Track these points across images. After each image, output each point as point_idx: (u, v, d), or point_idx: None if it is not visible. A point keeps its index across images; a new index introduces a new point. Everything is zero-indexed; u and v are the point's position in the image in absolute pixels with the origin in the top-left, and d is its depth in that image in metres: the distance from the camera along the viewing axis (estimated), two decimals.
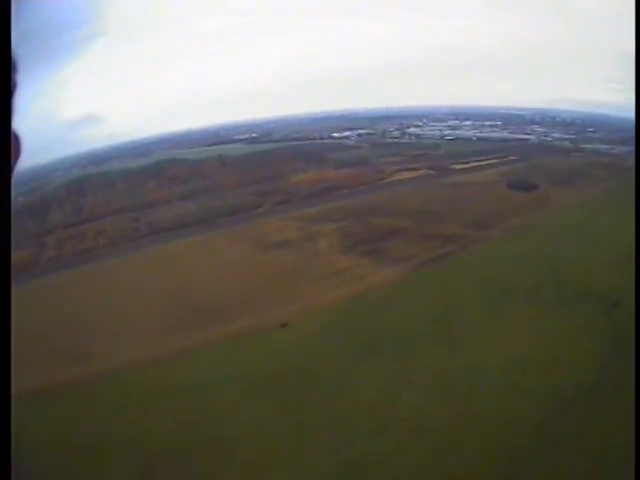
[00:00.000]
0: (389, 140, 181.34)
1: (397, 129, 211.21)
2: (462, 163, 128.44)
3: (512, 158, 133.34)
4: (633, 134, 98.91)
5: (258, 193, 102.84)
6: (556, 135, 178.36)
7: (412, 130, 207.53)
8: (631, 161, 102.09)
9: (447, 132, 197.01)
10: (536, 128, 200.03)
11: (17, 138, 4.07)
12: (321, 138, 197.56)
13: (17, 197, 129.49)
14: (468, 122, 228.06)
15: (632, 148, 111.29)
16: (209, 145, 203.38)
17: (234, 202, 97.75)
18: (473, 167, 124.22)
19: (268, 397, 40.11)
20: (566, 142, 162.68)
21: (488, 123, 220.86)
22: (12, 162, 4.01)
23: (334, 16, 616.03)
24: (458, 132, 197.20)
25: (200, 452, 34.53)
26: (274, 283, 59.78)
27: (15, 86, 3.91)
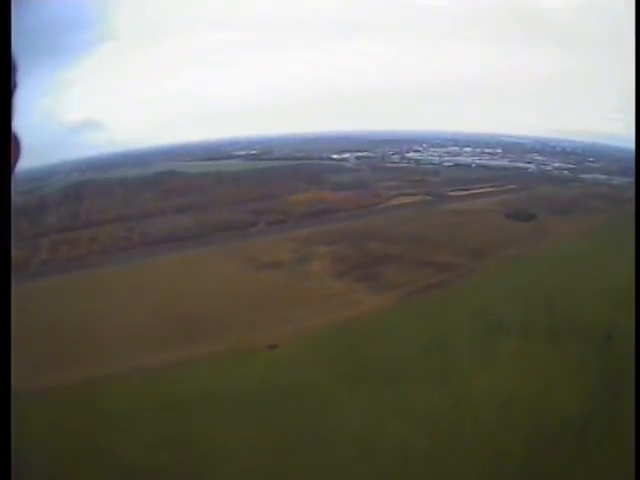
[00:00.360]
0: (388, 164, 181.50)
1: (397, 153, 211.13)
2: (460, 190, 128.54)
3: (511, 187, 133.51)
4: (633, 165, 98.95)
5: (254, 211, 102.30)
6: (556, 164, 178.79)
7: (411, 155, 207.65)
8: (630, 193, 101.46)
9: (446, 158, 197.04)
10: (536, 157, 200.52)
11: (17, 139, 4.04)
12: (320, 159, 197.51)
13: (15, 197, 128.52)
14: (468, 149, 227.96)
15: (631, 179, 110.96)
16: (208, 159, 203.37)
17: (229, 219, 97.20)
18: (471, 195, 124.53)
19: (251, 419, 39.29)
20: (565, 172, 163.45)
21: (488, 150, 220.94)
22: (12, 163, 4.00)
23: (339, 37, 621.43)
24: (457, 158, 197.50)
25: (178, 471, 33.66)
26: (265, 304, 58.95)
27: (15, 86, 3.88)
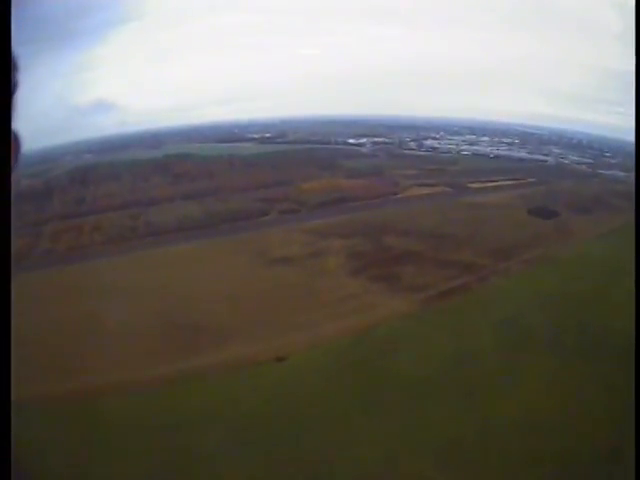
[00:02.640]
0: (405, 151, 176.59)
1: (414, 140, 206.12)
2: (480, 182, 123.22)
3: (530, 180, 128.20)
4: None
5: (266, 199, 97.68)
6: (574, 158, 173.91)
7: (429, 142, 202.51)
8: None
9: (464, 147, 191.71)
10: (553, 149, 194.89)
11: (17, 137, 4.06)
12: (336, 143, 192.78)
13: (21, 179, 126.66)
14: (485, 138, 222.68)
15: None
16: (221, 142, 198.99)
17: (239, 207, 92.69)
18: (491, 187, 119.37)
19: (254, 442, 35.37)
20: (583, 166, 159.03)
21: (506, 140, 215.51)
22: (12, 162, 4.02)
23: (357, 20, 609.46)
24: (475, 148, 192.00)
25: None
26: (274, 306, 54.61)
27: (16, 86, 3.90)
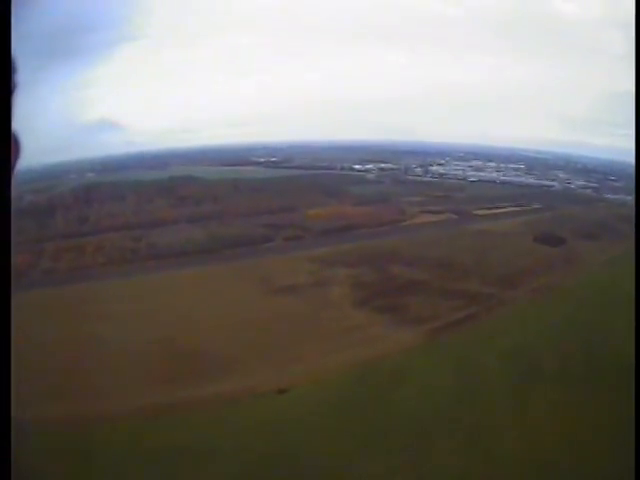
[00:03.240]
0: (411, 177, 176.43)
1: (420, 166, 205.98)
2: (486, 209, 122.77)
3: (536, 207, 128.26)
4: None
5: (270, 225, 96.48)
6: (579, 183, 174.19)
7: (435, 168, 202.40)
8: None
9: (471, 173, 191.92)
10: (559, 174, 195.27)
11: (17, 139, 4.08)
12: (342, 169, 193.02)
13: (25, 195, 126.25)
14: (492, 163, 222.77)
15: None
16: (227, 165, 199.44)
17: (243, 232, 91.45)
18: (497, 214, 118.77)
19: (252, 478, 33.94)
20: (589, 190, 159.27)
21: (512, 166, 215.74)
22: (12, 162, 4.04)
23: (364, 45, 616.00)
24: (481, 174, 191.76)
25: None
26: (276, 336, 53.13)
27: (15, 86, 3.94)
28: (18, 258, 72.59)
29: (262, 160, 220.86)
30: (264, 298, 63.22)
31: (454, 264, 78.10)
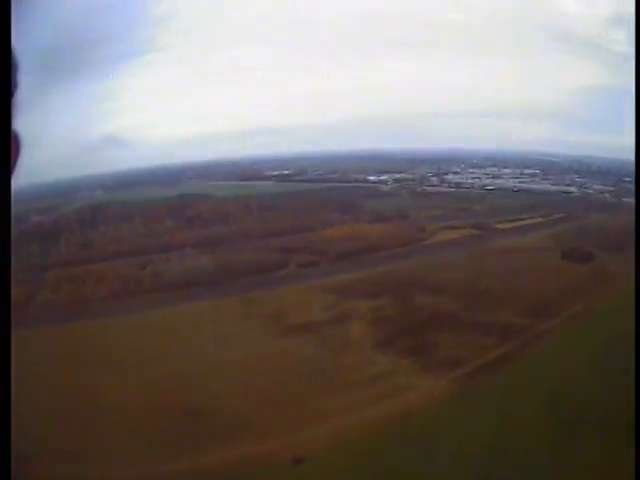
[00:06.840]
0: (428, 188, 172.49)
1: (435, 175, 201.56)
2: (507, 221, 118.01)
3: (557, 216, 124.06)
4: None
5: (283, 249, 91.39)
6: (597, 187, 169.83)
7: (450, 177, 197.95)
8: None
9: (487, 181, 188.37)
10: (576, 178, 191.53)
11: (17, 137, 4.03)
12: (356, 181, 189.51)
13: (33, 215, 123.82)
14: (507, 170, 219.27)
15: None
16: (239, 179, 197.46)
17: (254, 259, 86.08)
18: (520, 227, 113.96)
19: None
20: (607, 195, 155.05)
21: (527, 171, 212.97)
22: (12, 162, 4.00)
23: (375, 53, 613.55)
24: (498, 182, 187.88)
25: None
26: (290, 389, 47.10)
27: (16, 86, 3.90)
28: (19, 288, 69.07)
29: (275, 173, 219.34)
30: (275, 341, 57.02)
31: (481, 290, 72.22)
